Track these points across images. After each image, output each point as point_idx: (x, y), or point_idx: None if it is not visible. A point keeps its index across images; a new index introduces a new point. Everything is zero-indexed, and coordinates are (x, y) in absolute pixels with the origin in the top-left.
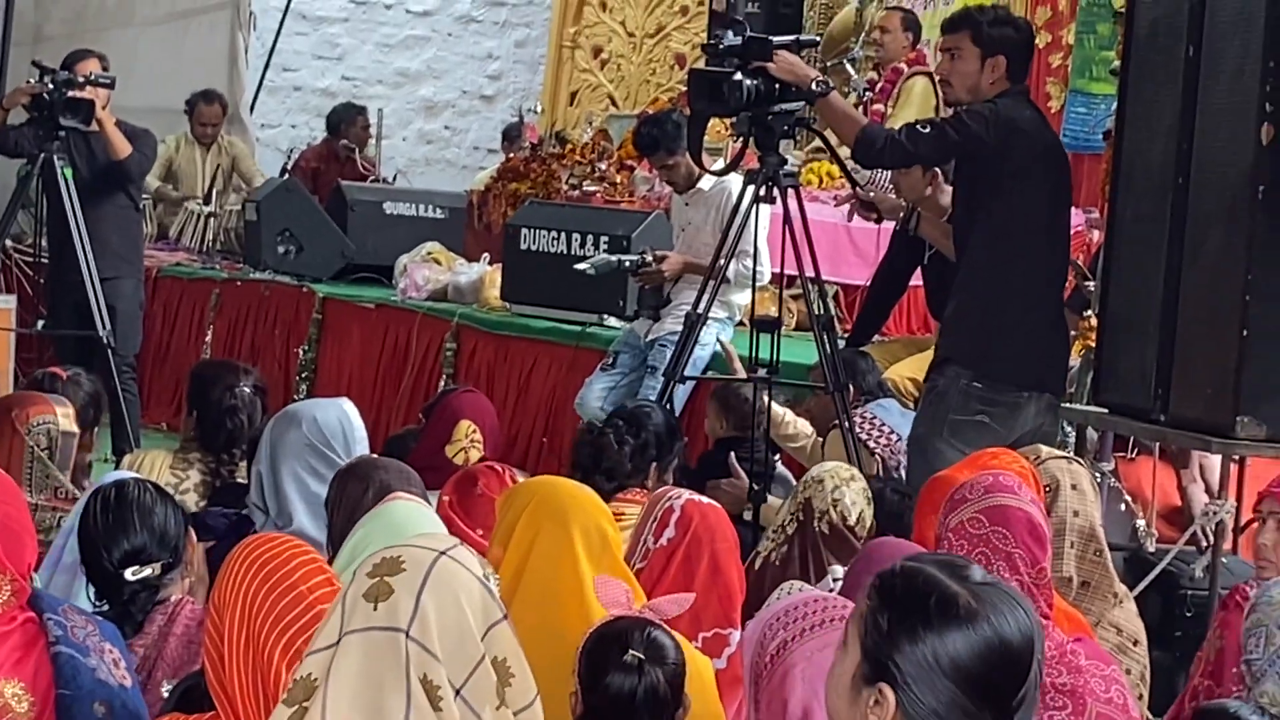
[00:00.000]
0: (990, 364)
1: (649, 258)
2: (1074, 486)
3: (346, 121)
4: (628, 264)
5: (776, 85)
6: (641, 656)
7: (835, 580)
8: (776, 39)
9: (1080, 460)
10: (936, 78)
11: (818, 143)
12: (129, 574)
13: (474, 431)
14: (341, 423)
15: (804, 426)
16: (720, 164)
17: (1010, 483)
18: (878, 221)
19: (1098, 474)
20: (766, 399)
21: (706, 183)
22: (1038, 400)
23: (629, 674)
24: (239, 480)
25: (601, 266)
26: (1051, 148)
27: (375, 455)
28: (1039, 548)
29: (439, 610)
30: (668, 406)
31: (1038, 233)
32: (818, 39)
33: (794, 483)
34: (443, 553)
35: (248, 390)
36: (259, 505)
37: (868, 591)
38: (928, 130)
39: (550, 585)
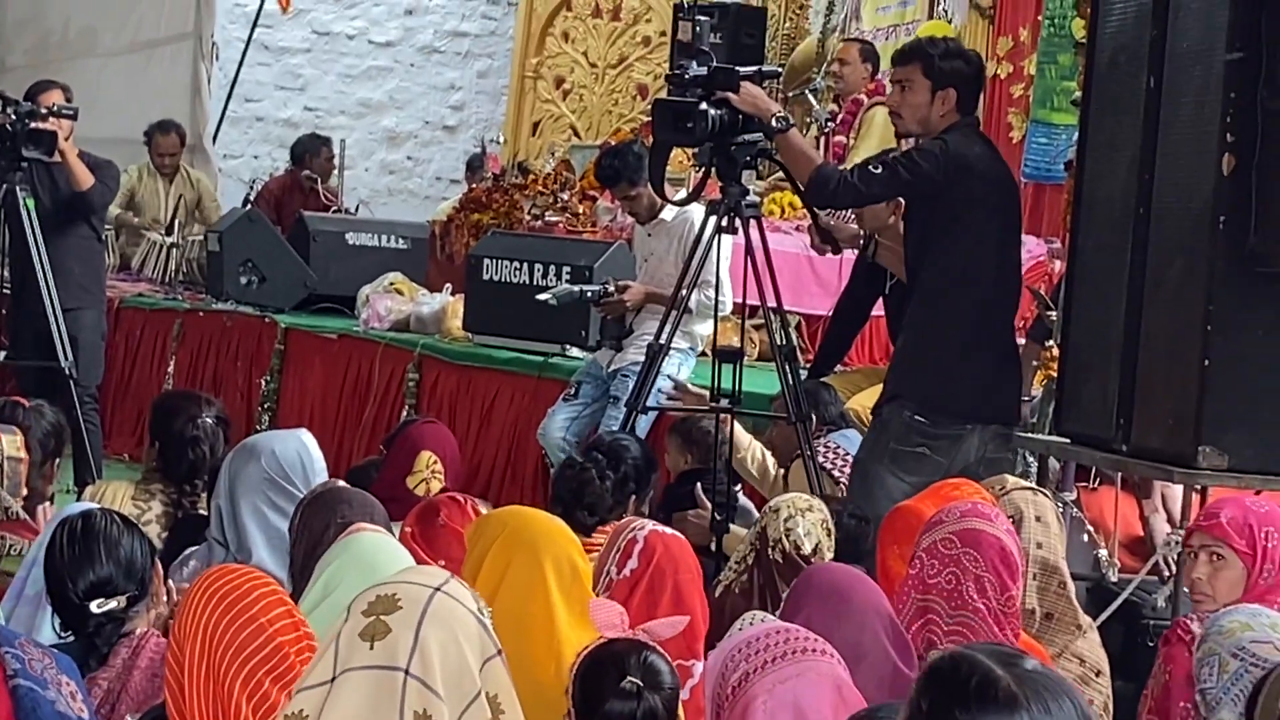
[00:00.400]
0: (934, 400)
1: (611, 288)
2: (1038, 518)
3: (310, 152)
4: (590, 294)
5: (740, 116)
6: (640, 683)
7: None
8: (741, 70)
9: (1045, 492)
10: (887, 109)
11: (780, 173)
12: (94, 606)
13: (435, 462)
14: (300, 455)
15: (768, 460)
16: (682, 194)
17: (987, 511)
18: (835, 252)
19: (1060, 504)
20: (729, 429)
21: (669, 213)
22: (983, 432)
23: (627, 700)
24: (200, 512)
25: (563, 297)
26: (1002, 183)
27: (340, 482)
28: (1010, 576)
29: (439, 646)
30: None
31: (988, 268)
32: (779, 70)
33: (756, 513)
34: (438, 589)
35: (209, 421)
36: (219, 539)
37: (919, 673)
38: (879, 170)
39: (521, 617)
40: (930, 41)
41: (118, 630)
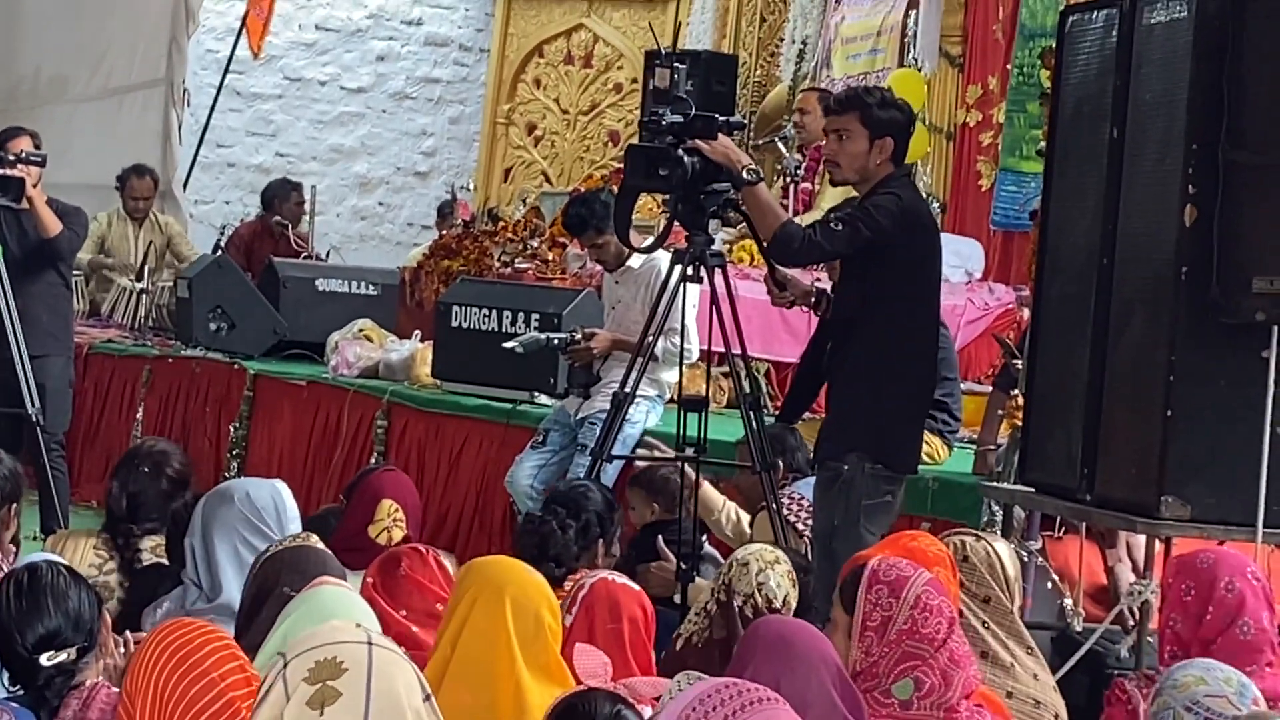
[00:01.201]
0: (892, 449)
1: (578, 335)
2: (964, 559)
3: (280, 197)
4: (556, 341)
5: (710, 165)
6: None
7: None
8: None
9: (986, 536)
10: (824, 157)
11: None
12: (44, 659)
13: (396, 510)
14: (274, 499)
15: (743, 523)
16: (649, 241)
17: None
18: (789, 305)
19: (1024, 553)
20: (694, 478)
21: (636, 260)
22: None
23: None
24: (157, 559)
25: (530, 344)
26: (937, 236)
27: (314, 539)
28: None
29: (389, 701)
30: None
31: (931, 319)
32: (744, 122)
33: (722, 561)
34: (371, 643)
35: (145, 469)
36: (194, 580)
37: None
38: (840, 228)
39: (483, 662)
40: (866, 91)
41: (68, 682)
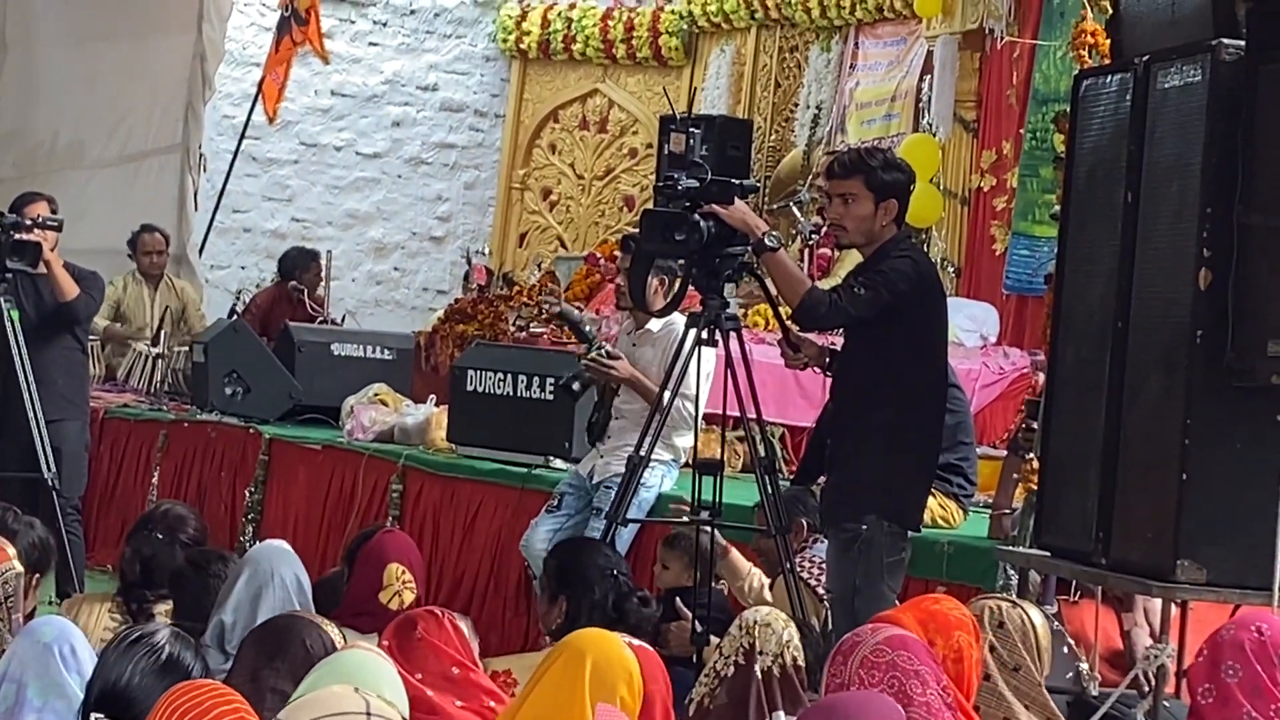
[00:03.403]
0: (907, 509)
1: (605, 349)
2: (1000, 624)
3: (300, 268)
4: (590, 332)
5: (726, 229)
6: None
7: None
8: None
9: (1023, 604)
10: (828, 221)
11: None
12: (92, 715)
13: (404, 573)
14: (300, 579)
15: (765, 592)
16: (662, 305)
17: (886, 622)
18: (802, 367)
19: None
20: (710, 542)
21: (655, 323)
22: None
23: None
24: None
25: (570, 314)
26: (944, 297)
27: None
28: (939, 668)
29: None
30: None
31: (940, 381)
32: (759, 185)
33: None
34: (368, 714)
35: (160, 535)
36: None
37: None
38: (863, 293)
39: (549, 714)
40: (869, 153)
41: None
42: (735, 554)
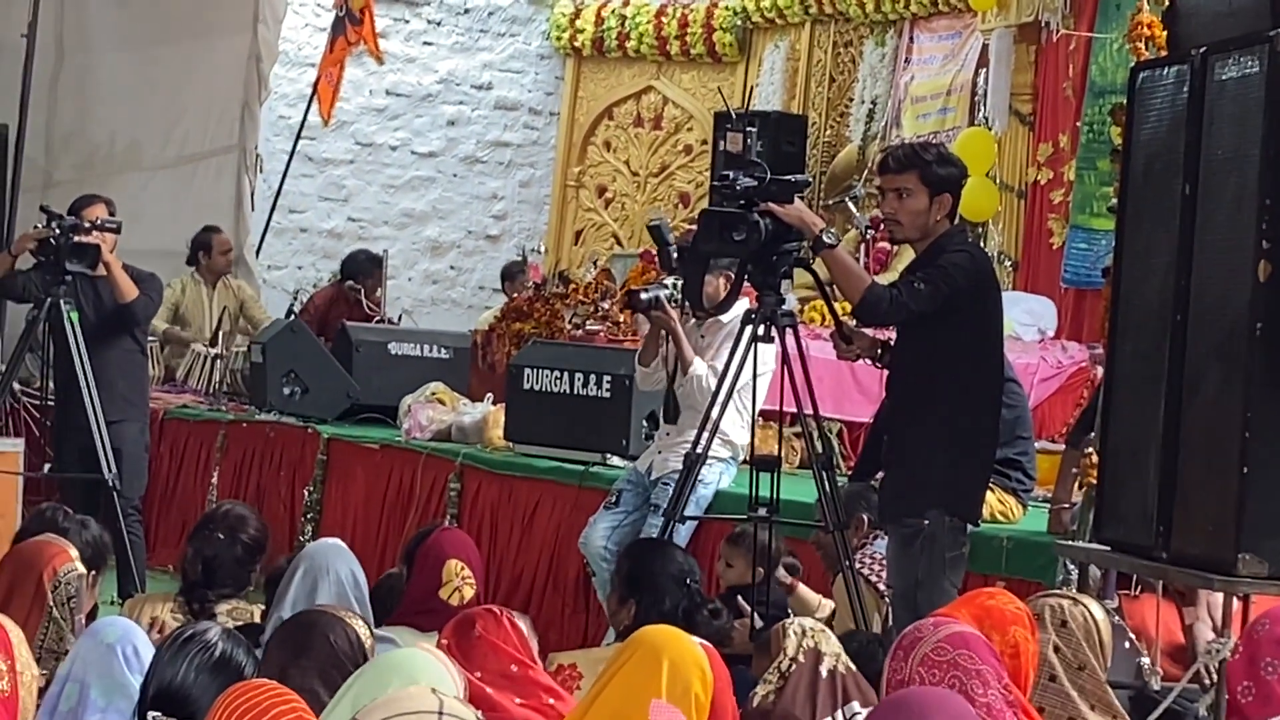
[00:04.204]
0: (967, 503)
1: (676, 296)
2: (1063, 624)
3: (364, 273)
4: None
5: (783, 226)
6: None
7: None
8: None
9: (1085, 600)
10: (882, 215)
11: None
12: (149, 715)
13: (463, 569)
14: (355, 575)
15: (828, 609)
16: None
17: (947, 617)
18: (855, 359)
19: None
20: (769, 539)
21: (727, 315)
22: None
23: None
24: (236, 622)
25: (654, 287)
26: (999, 290)
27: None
28: (1001, 666)
29: None
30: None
31: (996, 373)
32: (810, 181)
33: None
34: (440, 713)
35: (220, 535)
36: None
37: None
38: (923, 287)
39: (621, 714)
40: (923, 148)
41: None
42: (802, 588)
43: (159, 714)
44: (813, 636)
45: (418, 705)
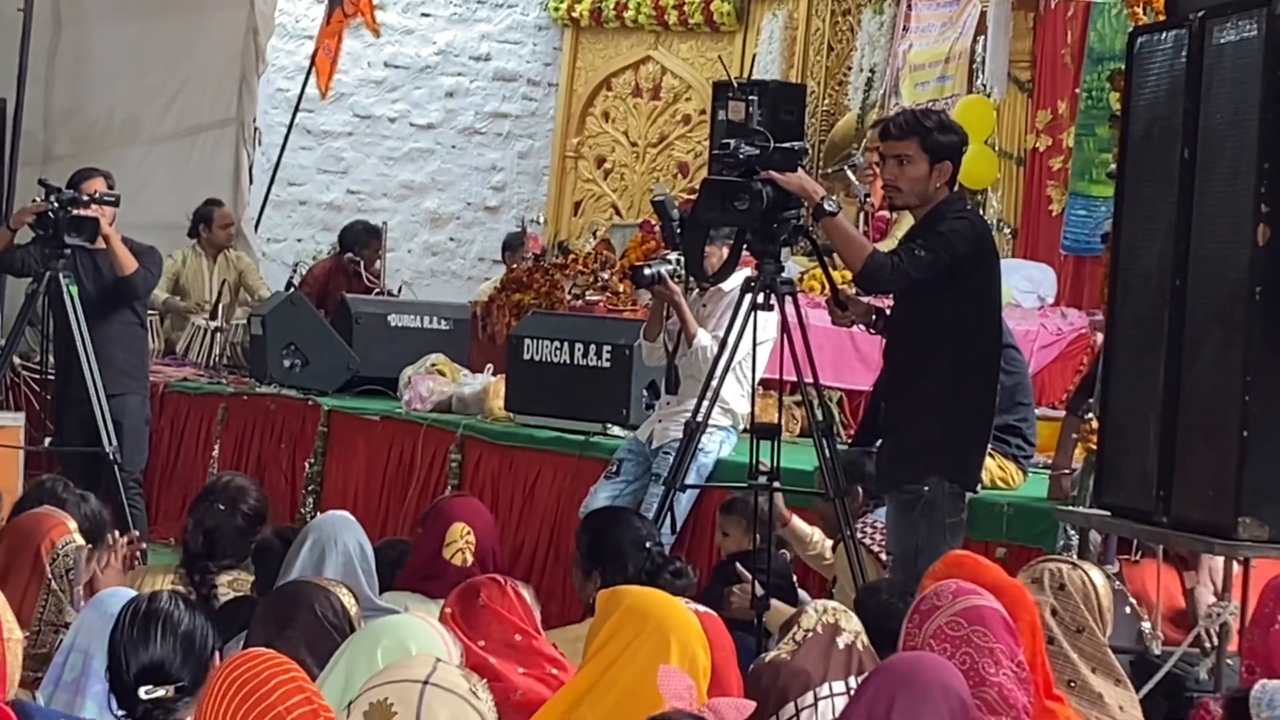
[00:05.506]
0: (965, 469)
1: (679, 271)
2: (1060, 587)
3: (361, 244)
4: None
5: (782, 194)
6: None
7: None
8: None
9: (1083, 564)
10: (881, 182)
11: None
12: (142, 692)
13: (467, 532)
14: (363, 546)
15: (823, 547)
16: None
17: (971, 586)
18: (849, 325)
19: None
20: (769, 505)
21: (728, 283)
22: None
23: None
24: (237, 593)
25: (657, 263)
26: (998, 257)
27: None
28: (1015, 642)
29: None
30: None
31: (994, 340)
32: (808, 149)
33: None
34: (426, 681)
35: (221, 506)
36: None
37: None
38: (924, 255)
39: (634, 692)
40: (924, 114)
41: (166, 718)
42: (796, 521)
43: (151, 686)
44: (833, 614)
45: (406, 674)
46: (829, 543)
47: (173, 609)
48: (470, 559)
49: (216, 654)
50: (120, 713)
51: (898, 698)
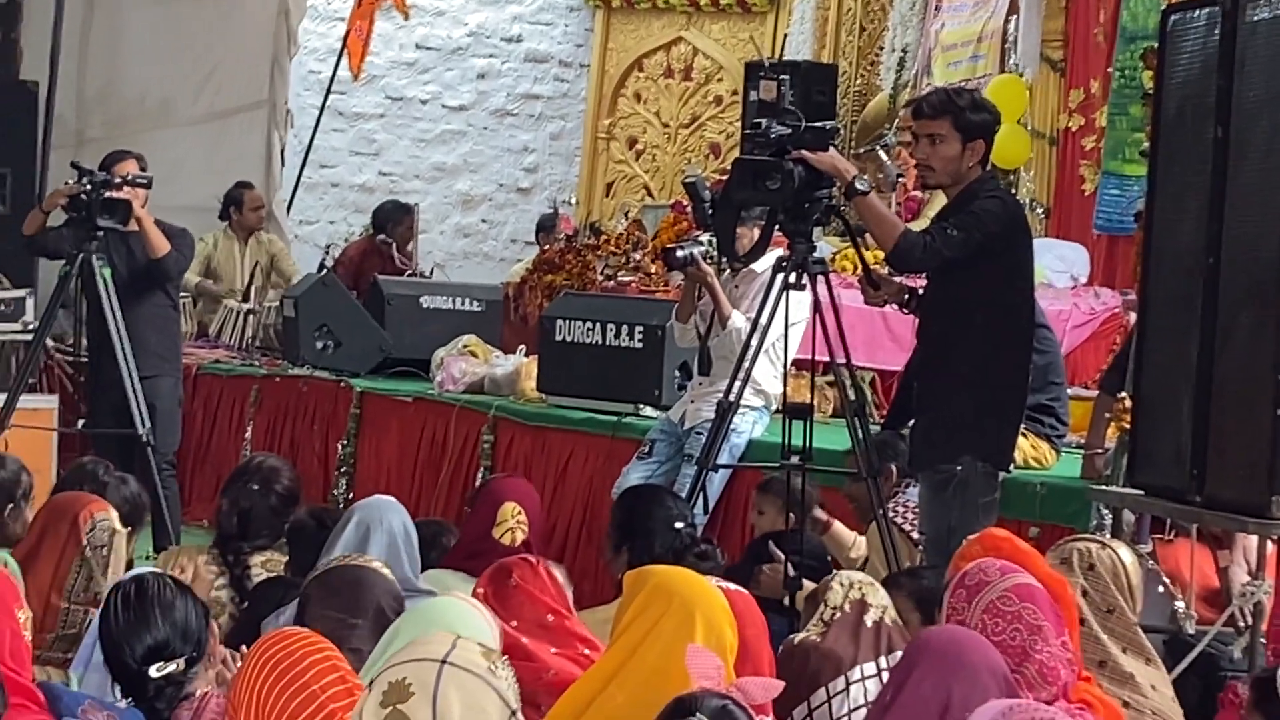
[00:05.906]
0: (998, 450)
1: (711, 252)
2: (1090, 567)
3: (394, 222)
4: (707, 249)
5: (814, 174)
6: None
7: None
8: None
9: (1112, 544)
10: (913, 162)
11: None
12: (153, 671)
13: (519, 512)
14: (408, 529)
15: (863, 548)
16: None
17: (1016, 566)
18: (882, 304)
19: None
20: (802, 485)
21: (759, 264)
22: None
23: None
24: (270, 573)
25: (688, 245)
26: (1030, 236)
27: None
28: (1059, 621)
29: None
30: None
31: (1028, 322)
32: (839, 128)
33: None
34: (444, 660)
35: (255, 487)
36: None
37: None
38: (956, 234)
39: (660, 670)
40: (956, 93)
41: (178, 693)
42: (837, 525)
43: (163, 663)
44: (859, 589)
45: (425, 654)
46: (863, 545)
47: (162, 589)
48: (520, 539)
49: (212, 625)
50: (127, 700)
51: (954, 690)
